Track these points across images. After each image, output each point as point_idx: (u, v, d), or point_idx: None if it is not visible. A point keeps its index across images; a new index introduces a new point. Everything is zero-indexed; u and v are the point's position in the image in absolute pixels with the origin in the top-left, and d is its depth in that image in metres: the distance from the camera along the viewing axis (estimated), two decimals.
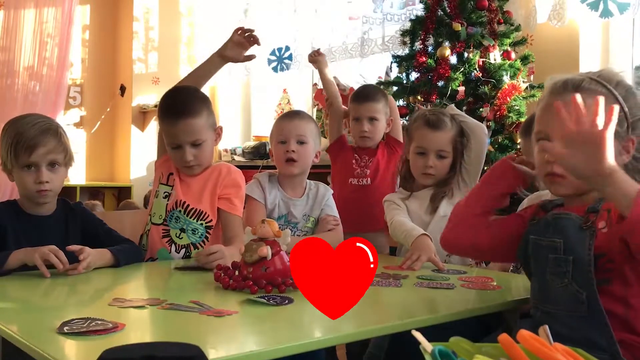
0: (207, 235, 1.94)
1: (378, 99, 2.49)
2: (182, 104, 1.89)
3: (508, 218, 1.38)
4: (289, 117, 2.19)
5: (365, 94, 2.54)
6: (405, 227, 1.92)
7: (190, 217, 1.93)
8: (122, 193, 5.40)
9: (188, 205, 1.93)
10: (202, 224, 1.93)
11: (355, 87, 4.16)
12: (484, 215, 1.38)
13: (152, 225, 1.95)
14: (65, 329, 0.99)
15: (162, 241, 1.91)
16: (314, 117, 4.55)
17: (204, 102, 1.94)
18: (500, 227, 1.36)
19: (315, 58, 2.86)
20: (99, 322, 1.02)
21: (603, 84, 1.20)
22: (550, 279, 1.20)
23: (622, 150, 1.18)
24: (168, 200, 1.95)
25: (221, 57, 2.09)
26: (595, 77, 1.21)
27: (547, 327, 0.73)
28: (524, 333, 0.68)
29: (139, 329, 1.09)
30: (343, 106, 2.71)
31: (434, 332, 0.86)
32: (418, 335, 0.73)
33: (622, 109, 1.18)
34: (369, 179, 2.49)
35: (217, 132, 1.98)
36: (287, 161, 2.09)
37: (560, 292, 1.18)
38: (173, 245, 1.91)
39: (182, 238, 1.92)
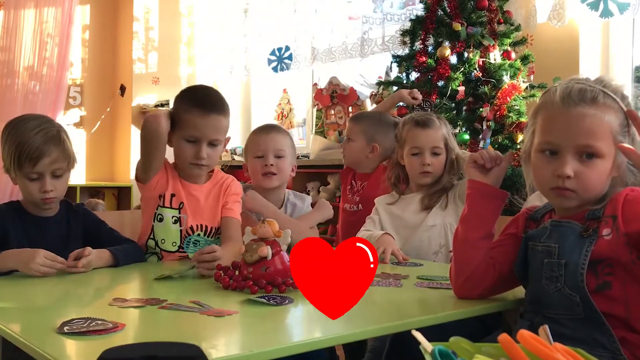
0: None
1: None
2: (219, 100, 1.86)
3: (506, 243, 1.35)
4: (266, 130, 2.18)
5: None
6: (369, 234, 2.02)
7: (210, 237, 1.90)
8: (122, 193, 5.41)
9: (206, 227, 1.89)
10: (219, 237, 1.90)
11: (355, 87, 4.17)
12: (485, 244, 1.35)
13: (164, 252, 1.87)
14: (66, 328, 0.99)
15: (179, 263, 1.85)
16: (314, 117, 4.55)
17: (228, 108, 1.89)
18: (503, 259, 1.32)
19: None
20: (99, 322, 1.02)
21: (614, 97, 1.19)
22: (545, 283, 1.21)
23: (624, 162, 1.20)
24: (181, 226, 1.86)
25: None
26: (605, 90, 1.19)
27: (547, 327, 0.73)
28: (524, 333, 0.68)
29: (139, 329, 1.09)
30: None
31: (434, 332, 0.86)
32: (418, 335, 0.73)
33: (627, 122, 1.19)
34: (359, 205, 2.48)
35: (225, 141, 1.92)
36: (265, 174, 2.10)
37: (556, 297, 1.18)
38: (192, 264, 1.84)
39: None
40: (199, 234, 1.88)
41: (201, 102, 1.83)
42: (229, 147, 5.27)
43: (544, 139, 1.21)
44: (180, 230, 1.86)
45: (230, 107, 1.91)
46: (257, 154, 2.12)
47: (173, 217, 1.86)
